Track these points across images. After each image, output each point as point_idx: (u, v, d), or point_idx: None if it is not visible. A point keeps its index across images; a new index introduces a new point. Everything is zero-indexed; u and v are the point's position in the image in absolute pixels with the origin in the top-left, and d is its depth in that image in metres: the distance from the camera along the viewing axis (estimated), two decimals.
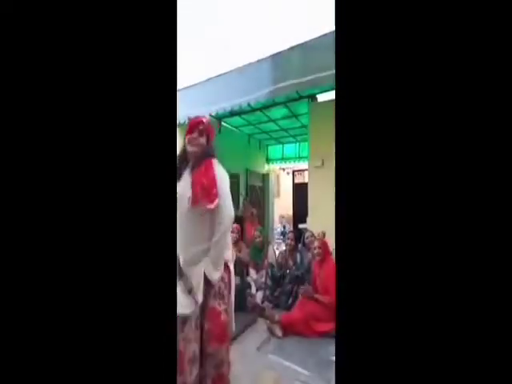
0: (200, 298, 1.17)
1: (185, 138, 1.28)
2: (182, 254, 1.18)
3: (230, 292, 1.32)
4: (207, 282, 1.20)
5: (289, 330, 2.24)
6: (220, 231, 1.19)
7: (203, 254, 1.20)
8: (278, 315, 2.38)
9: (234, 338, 2.05)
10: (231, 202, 1.25)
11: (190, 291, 1.16)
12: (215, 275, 1.21)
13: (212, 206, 1.14)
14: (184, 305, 1.14)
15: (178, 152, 1.28)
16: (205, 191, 1.15)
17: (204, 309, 1.22)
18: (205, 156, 1.24)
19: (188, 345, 1.16)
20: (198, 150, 1.24)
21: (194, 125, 1.26)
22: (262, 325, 2.43)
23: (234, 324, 1.39)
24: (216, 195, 1.16)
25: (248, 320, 2.48)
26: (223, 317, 1.25)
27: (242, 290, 2.76)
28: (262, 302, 2.81)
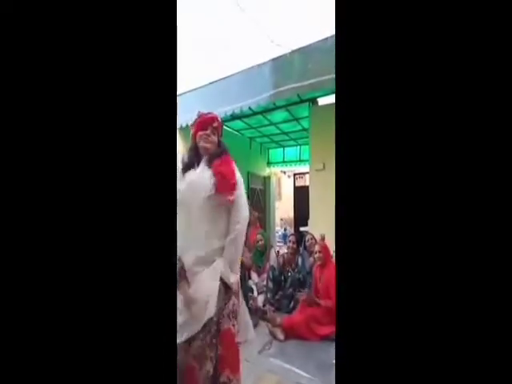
0: (213, 310, 1.04)
1: (192, 134, 1.24)
2: (193, 251, 1.07)
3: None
4: (224, 288, 1.10)
5: (290, 333, 2.23)
6: (237, 230, 1.13)
7: (216, 254, 1.12)
8: (279, 318, 2.38)
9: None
10: (247, 203, 1.22)
11: (194, 302, 1.03)
12: (233, 278, 1.12)
13: (232, 197, 1.12)
14: (184, 324, 1.00)
15: (186, 149, 1.26)
16: (225, 181, 1.11)
17: (217, 329, 1.08)
18: (221, 152, 1.22)
19: (204, 361, 1.03)
20: (211, 147, 1.20)
21: (208, 121, 1.22)
22: (263, 328, 2.42)
23: (252, 328, 1.29)
24: (235, 187, 1.14)
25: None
26: (237, 340, 1.15)
27: (244, 294, 2.75)
28: (264, 306, 2.80)
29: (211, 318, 1.05)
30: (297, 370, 1.81)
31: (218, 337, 1.08)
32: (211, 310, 1.04)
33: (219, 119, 1.25)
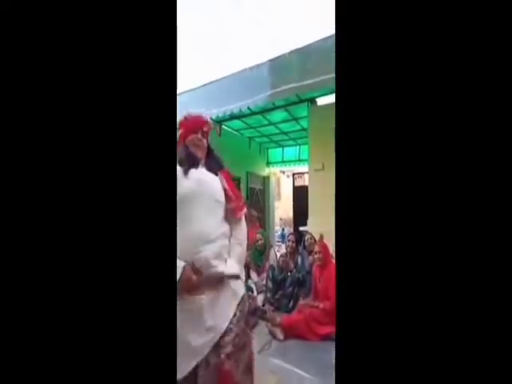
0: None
1: (180, 136, 1.17)
2: (211, 246, 1.02)
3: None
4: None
5: (290, 332, 2.23)
6: (243, 235, 1.17)
7: (227, 251, 1.11)
8: (279, 318, 2.38)
9: None
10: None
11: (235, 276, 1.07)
12: (241, 274, 1.15)
13: (240, 215, 1.15)
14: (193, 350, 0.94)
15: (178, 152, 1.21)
16: (235, 200, 1.12)
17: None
18: (218, 164, 1.19)
19: (240, 354, 1.03)
20: (202, 154, 1.16)
21: (198, 125, 1.16)
22: (262, 328, 2.42)
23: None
24: (244, 206, 1.17)
25: (249, 323, 2.48)
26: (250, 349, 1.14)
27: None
28: (263, 305, 2.80)
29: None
30: (297, 370, 1.81)
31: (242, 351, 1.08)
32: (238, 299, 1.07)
33: (210, 123, 1.20)
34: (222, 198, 1.10)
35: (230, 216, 1.13)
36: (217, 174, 1.15)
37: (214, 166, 1.17)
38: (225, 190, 1.11)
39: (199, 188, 1.06)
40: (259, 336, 2.30)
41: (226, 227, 1.11)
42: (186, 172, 1.05)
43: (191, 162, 1.10)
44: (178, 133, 1.18)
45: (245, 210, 1.18)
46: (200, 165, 1.13)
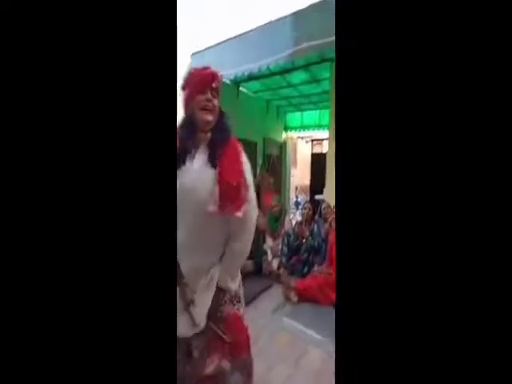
0: (202, 322, 0.90)
1: (185, 100, 0.90)
2: (186, 261, 0.88)
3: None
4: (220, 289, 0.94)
5: (304, 296, 2.30)
6: (243, 240, 0.93)
7: (213, 266, 0.94)
8: (293, 281, 2.45)
9: (250, 302, 2.14)
10: (256, 202, 0.98)
11: (187, 305, 0.88)
12: (233, 285, 0.96)
13: (240, 215, 0.87)
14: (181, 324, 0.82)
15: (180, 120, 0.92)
16: (233, 194, 0.85)
17: (220, 318, 0.94)
18: (226, 134, 0.91)
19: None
20: (213, 118, 0.89)
21: (207, 80, 0.88)
22: (277, 290, 2.51)
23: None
24: (245, 199, 0.88)
25: (263, 285, 2.57)
26: (245, 323, 1.02)
27: (259, 256, 2.83)
28: (278, 269, 2.88)
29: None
30: (309, 331, 1.88)
31: (223, 325, 0.95)
32: (197, 322, 0.89)
33: (220, 76, 0.92)
34: (216, 199, 0.85)
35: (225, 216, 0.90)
36: (215, 165, 0.87)
37: (221, 136, 0.91)
38: (221, 185, 0.86)
39: (183, 198, 0.79)
40: (273, 298, 2.39)
41: (216, 238, 0.93)
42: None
43: (180, 157, 0.86)
44: (183, 94, 0.91)
45: (246, 204, 0.91)
46: (200, 153, 0.89)
